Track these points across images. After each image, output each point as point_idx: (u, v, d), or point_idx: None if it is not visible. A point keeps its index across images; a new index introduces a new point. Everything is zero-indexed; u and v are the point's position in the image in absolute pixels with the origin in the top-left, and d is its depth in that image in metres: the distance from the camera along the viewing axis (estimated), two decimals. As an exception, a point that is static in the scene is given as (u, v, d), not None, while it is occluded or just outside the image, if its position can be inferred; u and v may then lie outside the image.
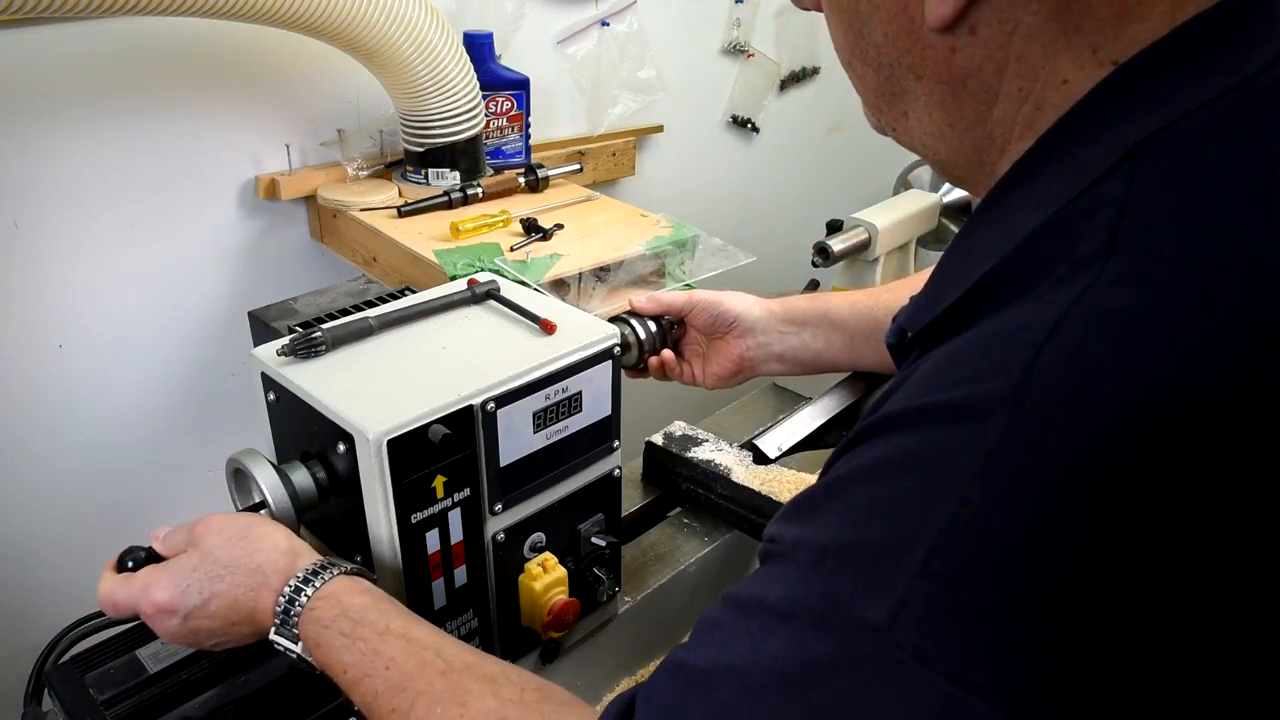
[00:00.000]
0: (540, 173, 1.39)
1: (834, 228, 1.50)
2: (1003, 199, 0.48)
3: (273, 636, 0.64)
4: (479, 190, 1.32)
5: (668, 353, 1.04)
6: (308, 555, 0.66)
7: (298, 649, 0.63)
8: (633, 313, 1.02)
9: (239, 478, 0.71)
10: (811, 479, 1.07)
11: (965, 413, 0.39)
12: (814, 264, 1.49)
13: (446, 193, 1.30)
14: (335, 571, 0.65)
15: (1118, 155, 0.42)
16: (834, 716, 0.40)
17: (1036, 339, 0.38)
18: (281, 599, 0.63)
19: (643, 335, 1.01)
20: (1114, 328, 0.37)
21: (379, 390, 0.70)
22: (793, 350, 1.01)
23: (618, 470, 0.86)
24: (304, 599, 0.63)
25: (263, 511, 0.70)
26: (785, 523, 0.47)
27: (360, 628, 0.61)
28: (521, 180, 1.38)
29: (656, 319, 1.02)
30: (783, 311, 1.00)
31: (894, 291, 0.98)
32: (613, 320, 1.01)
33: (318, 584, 0.64)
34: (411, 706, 0.58)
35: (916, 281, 0.95)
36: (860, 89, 0.55)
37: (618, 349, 0.80)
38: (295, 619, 0.63)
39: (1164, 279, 0.38)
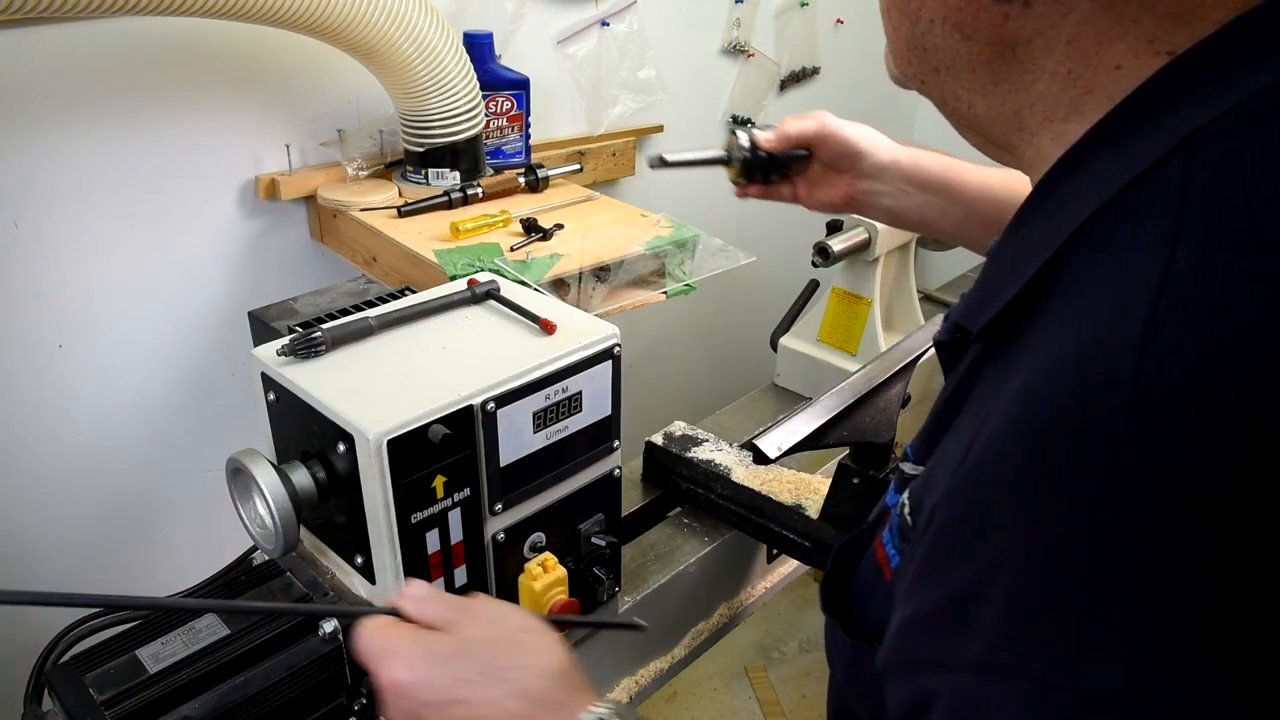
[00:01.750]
0: (540, 173, 1.39)
1: (834, 227, 1.50)
2: (1053, 191, 0.49)
3: None
4: (479, 190, 1.32)
5: (775, 185, 0.98)
6: (584, 692, 0.55)
7: None
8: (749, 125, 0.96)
9: (239, 478, 0.71)
10: (812, 479, 1.07)
11: (1087, 430, 0.38)
12: (814, 264, 1.49)
13: (446, 193, 1.30)
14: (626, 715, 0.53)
15: (1169, 145, 0.42)
16: None
17: (1133, 341, 0.37)
18: None
19: (749, 155, 0.94)
20: (1203, 319, 0.37)
21: (379, 390, 0.70)
22: (905, 210, 0.95)
23: (618, 470, 0.86)
24: None
25: (263, 511, 0.70)
26: (925, 635, 0.43)
27: None
28: (521, 180, 1.38)
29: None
30: (910, 167, 0.94)
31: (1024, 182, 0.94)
32: (731, 131, 0.97)
33: None
34: None
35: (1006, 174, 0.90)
36: (893, 38, 0.55)
37: (618, 348, 0.80)
38: None
39: (1236, 264, 0.37)
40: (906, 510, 0.52)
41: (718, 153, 0.96)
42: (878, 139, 0.95)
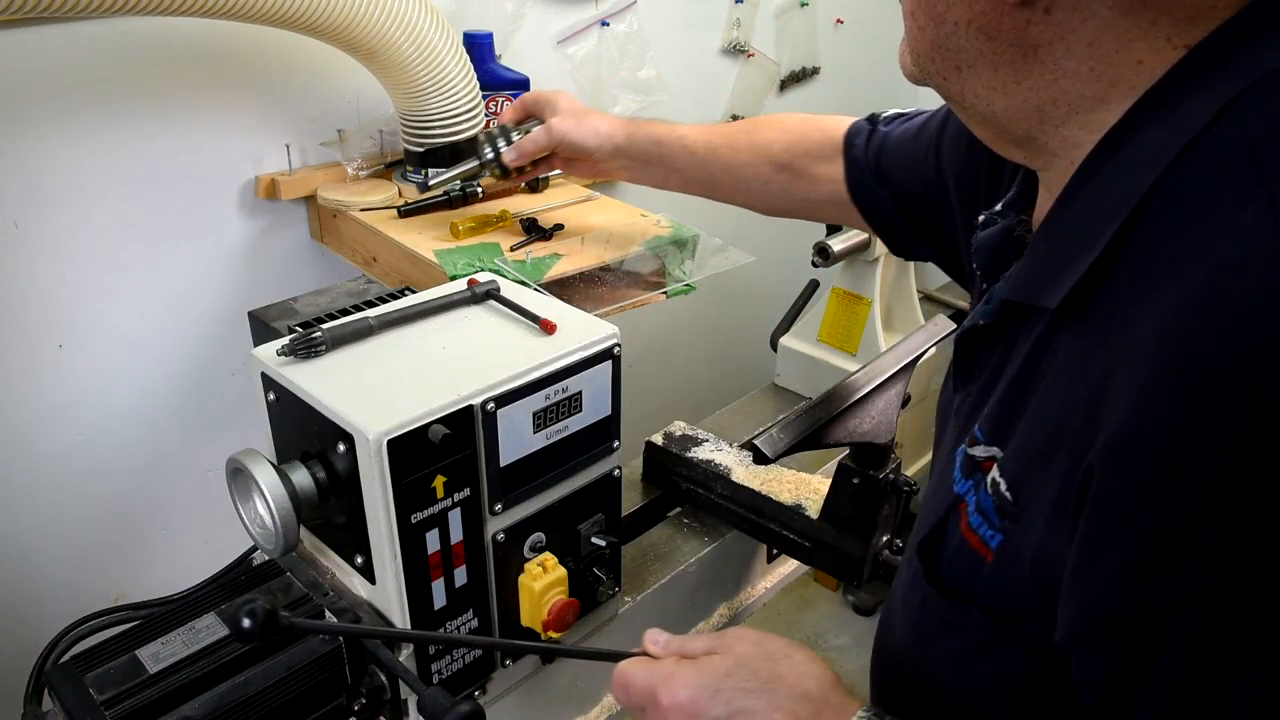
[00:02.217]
0: (540, 176, 1.39)
1: (834, 228, 1.50)
2: (1100, 168, 0.52)
3: None
4: (479, 190, 1.32)
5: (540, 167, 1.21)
6: (853, 696, 0.59)
7: None
8: (495, 133, 1.17)
9: (239, 478, 0.71)
10: (811, 479, 1.07)
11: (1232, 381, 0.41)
12: (814, 264, 1.49)
13: (446, 193, 1.30)
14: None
15: (1217, 109, 0.46)
16: None
17: (1266, 284, 0.41)
18: None
19: (490, 155, 1.16)
20: None
21: (379, 390, 0.70)
22: (639, 178, 1.18)
23: (618, 470, 0.86)
24: None
25: (263, 511, 0.70)
26: (1127, 580, 0.45)
27: None
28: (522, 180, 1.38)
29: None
30: (628, 148, 1.13)
31: (733, 149, 1.10)
32: (473, 140, 1.19)
33: None
34: None
35: (739, 132, 1.10)
36: (916, 38, 0.57)
37: (618, 348, 0.80)
38: None
39: None
40: (1004, 488, 0.53)
41: (471, 163, 1.17)
42: (600, 129, 1.11)
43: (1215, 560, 0.41)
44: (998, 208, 0.66)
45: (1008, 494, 0.53)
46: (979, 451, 0.58)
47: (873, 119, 1.01)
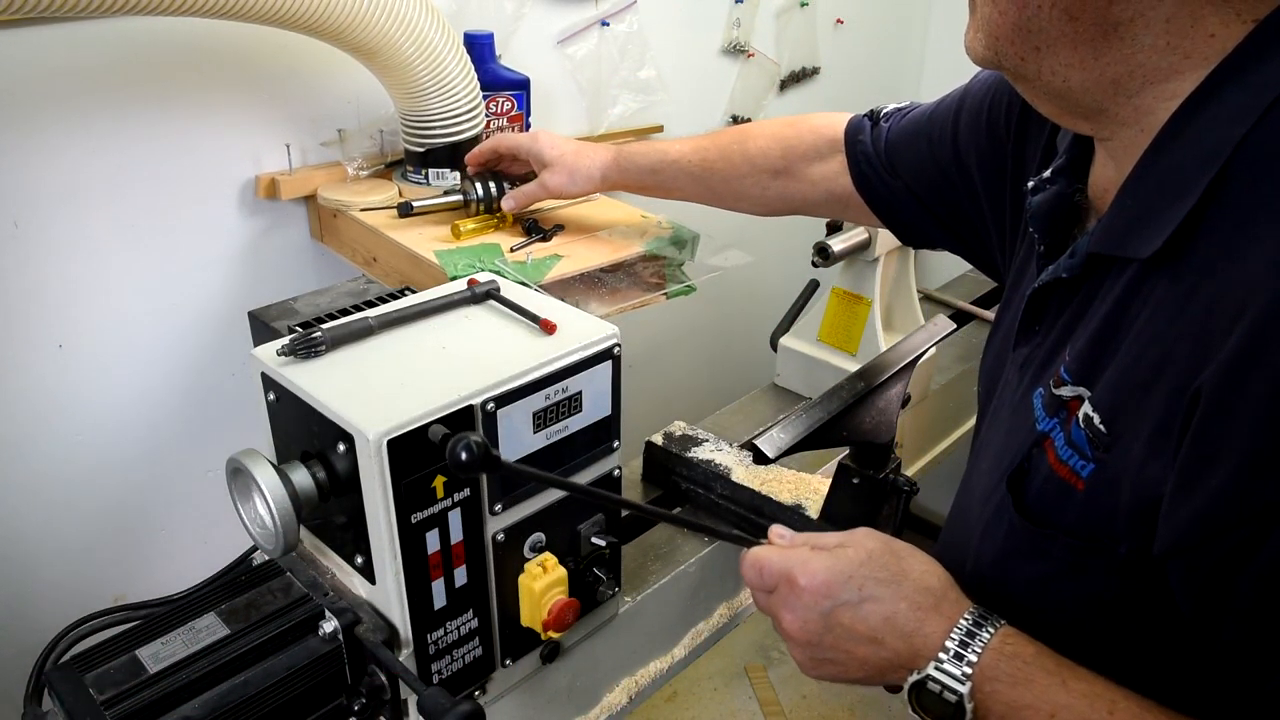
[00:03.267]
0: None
1: (834, 228, 1.50)
2: (1183, 128, 0.56)
3: (935, 670, 0.59)
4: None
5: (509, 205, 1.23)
6: (966, 598, 0.65)
7: (964, 688, 0.58)
8: (486, 175, 1.24)
9: (239, 478, 0.71)
10: (811, 479, 1.08)
11: None
12: (814, 264, 1.49)
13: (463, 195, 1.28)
14: (984, 636, 0.61)
15: None
16: None
17: None
18: (963, 623, 0.61)
19: (482, 194, 1.23)
20: None
21: (379, 390, 0.70)
22: (630, 192, 1.22)
23: (618, 470, 0.86)
24: (990, 631, 0.60)
25: (263, 511, 0.70)
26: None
27: (1069, 674, 0.58)
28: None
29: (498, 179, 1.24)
30: (622, 181, 1.17)
31: (728, 162, 1.13)
32: (463, 181, 1.24)
33: (999, 623, 0.61)
34: None
35: (731, 143, 1.12)
36: (997, 22, 0.60)
37: (618, 348, 0.80)
38: (976, 650, 0.59)
39: None
40: (1097, 422, 0.58)
41: (456, 196, 1.24)
42: (593, 175, 1.17)
43: None
44: (1047, 174, 0.71)
45: (1101, 427, 0.57)
46: (1065, 391, 0.61)
47: (872, 115, 1.04)
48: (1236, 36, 0.54)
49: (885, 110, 1.04)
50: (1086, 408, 0.59)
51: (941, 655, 0.60)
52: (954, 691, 0.59)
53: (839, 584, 0.64)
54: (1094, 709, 0.56)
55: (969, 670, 0.59)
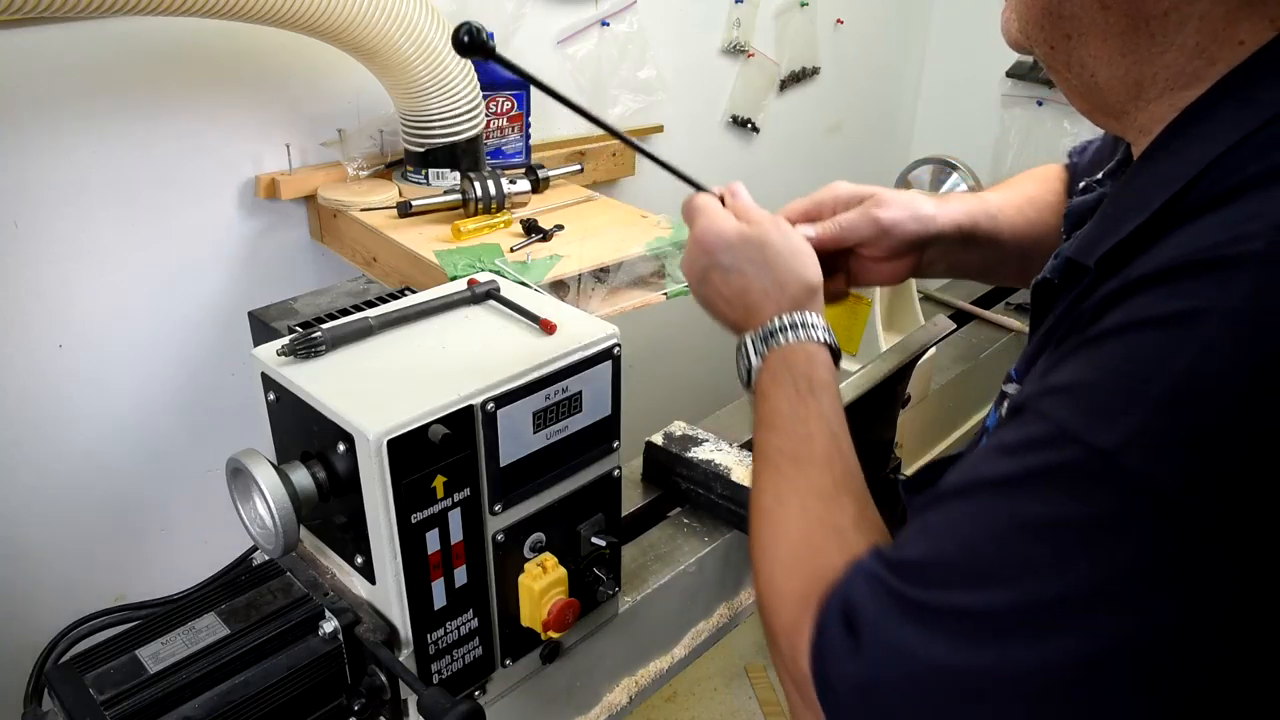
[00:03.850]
0: (541, 173, 1.39)
1: (834, 228, 1.50)
2: (1174, 141, 0.54)
3: (747, 339, 0.73)
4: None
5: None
6: (818, 308, 0.74)
7: (755, 363, 0.72)
8: (486, 174, 1.21)
9: (239, 478, 0.71)
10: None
11: (1214, 266, 0.44)
12: (814, 264, 1.49)
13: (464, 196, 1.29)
14: (825, 337, 0.71)
15: None
16: (1039, 527, 0.46)
17: (1269, 218, 0.44)
18: (776, 321, 0.72)
19: (481, 194, 1.21)
20: None
21: (379, 390, 0.70)
22: (961, 268, 0.94)
23: (618, 470, 0.86)
24: (789, 338, 0.71)
25: (263, 511, 0.70)
26: (1029, 384, 0.53)
27: (809, 398, 0.67)
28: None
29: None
30: (959, 230, 0.88)
31: (1040, 215, 0.92)
32: (463, 180, 1.21)
33: (803, 335, 0.71)
34: (794, 476, 0.65)
35: (1036, 193, 0.91)
36: (1028, 4, 0.59)
37: (618, 348, 0.80)
38: (773, 345, 0.71)
39: None
40: (1003, 413, 0.61)
41: (455, 196, 1.24)
42: (921, 216, 0.86)
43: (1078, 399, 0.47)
44: (1099, 176, 0.70)
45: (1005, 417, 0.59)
46: (1010, 389, 0.65)
47: (1070, 157, 0.94)
48: (1260, 46, 0.51)
49: (1076, 147, 0.93)
50: (1007, 402, 0.62)
51: (752, 332, 0.73)
52: (746, 360, 0.73)
53: (722, 249, 0.75)
54: (800, 425, 0.66)
55: (763, 350, 0.72)
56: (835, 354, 0.72)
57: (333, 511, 0.74)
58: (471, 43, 0.65)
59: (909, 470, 1.56)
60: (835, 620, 0.54)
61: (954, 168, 1.77)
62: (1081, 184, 0.70)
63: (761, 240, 0.75)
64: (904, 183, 1.82)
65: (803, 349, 0.70)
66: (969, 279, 1.03)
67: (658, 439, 1.16)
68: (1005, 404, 0.62)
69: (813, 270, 0.75)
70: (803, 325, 0.71)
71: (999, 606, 0.47)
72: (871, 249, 0.85)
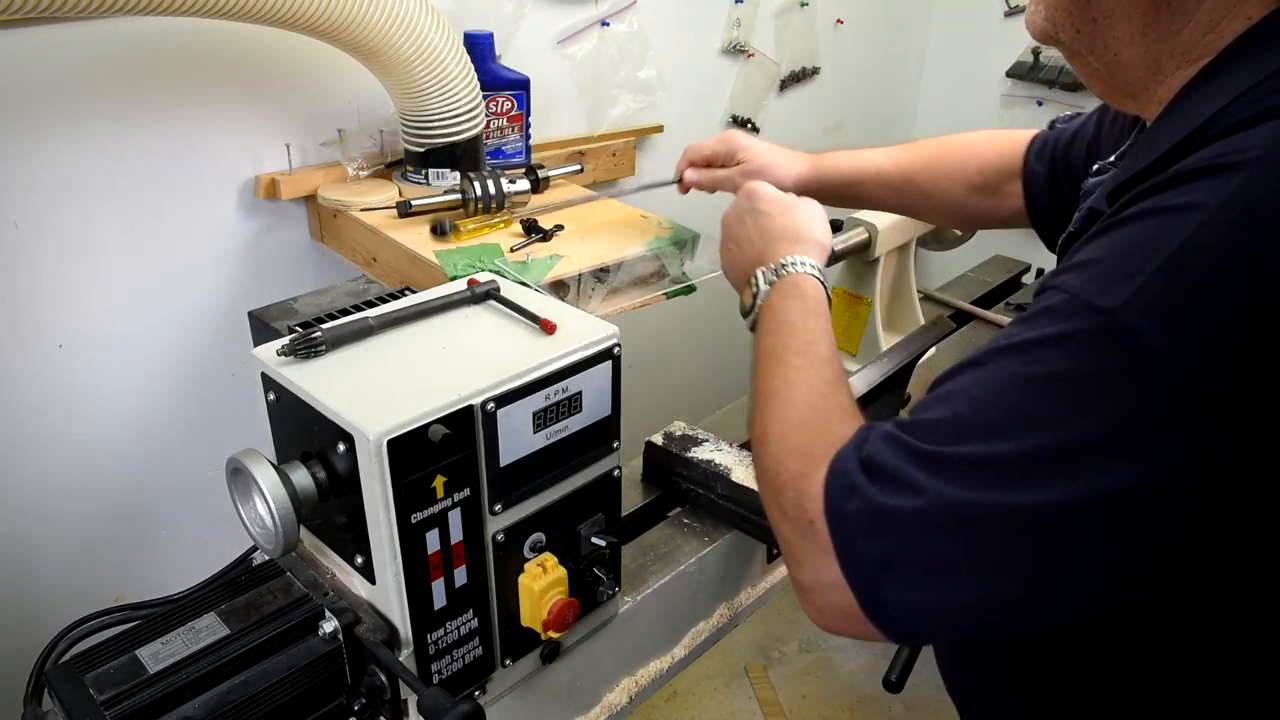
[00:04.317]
0: (541, 173, 1.39)
1: (834, 227, 1.50)
2: (1183, 104, 0.60)
3: (759, 272, 0.85)
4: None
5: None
6: (822, 254, 0.87)
7: (764, 288, 0.83)
8: (486, 174, 1.25)
9: (239, 478, 0.71)
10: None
11: (1217, 169, 0.50)
12: (814, 264, 1.49)
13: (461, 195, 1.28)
14: (804, 269, 0.83)
15: None
16: (1043, 383, 0.51)
17: (1265, 136, 0.50)
18: (791, 256, 0.83)
19: (481, 194, 1.24)
20: None
21: (379, 390, 0.70)
22: (832, 203, 1.18)
23: (618, 470, 0.86)
24: (800, 269, 0.82)
25: (263, 511, 0.70)
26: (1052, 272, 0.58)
27: (817, 315, 0.78)
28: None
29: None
30: (818, 190, 1.16)
31: (929, 175, 1.15)
32: (463, 180, 1.24)
33: (812, 273, 0.83)
34: (802, 366, 0.72)
35: (931, 156, 1.14)
36: None
37: (618, 348, 0.80)
38: (785, 273, 0.83)
39: None
40: None
41: (455, 196, 1.24)
42: (784, 182, 1.15)
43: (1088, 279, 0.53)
44: (1111, 159, 0.76)
45: None
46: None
47: (1051, 126, 1.06)
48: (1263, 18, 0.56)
49: (1063, 116, 1.07)
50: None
51: (767, 267, 0.84)
52: (756, 287, 0.84)
53: (763, 198, 0.91)
54: (807, 331, 0.75)
55: (773, 279, 0.83)
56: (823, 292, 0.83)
57: (333, 511, 0.74)
58: None
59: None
60: (854, 465, 0.58)
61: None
62: (1095, 165, 0.76)
63: (794, 200, 0.91)
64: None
65: (810, 281, 0.81)
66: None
67: (658, 439, 1.16)
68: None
69: (827, 233, 0.89)
70: (813, 267, 0.83)
71: (1003, 454, 0.52)
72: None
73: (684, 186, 1.24)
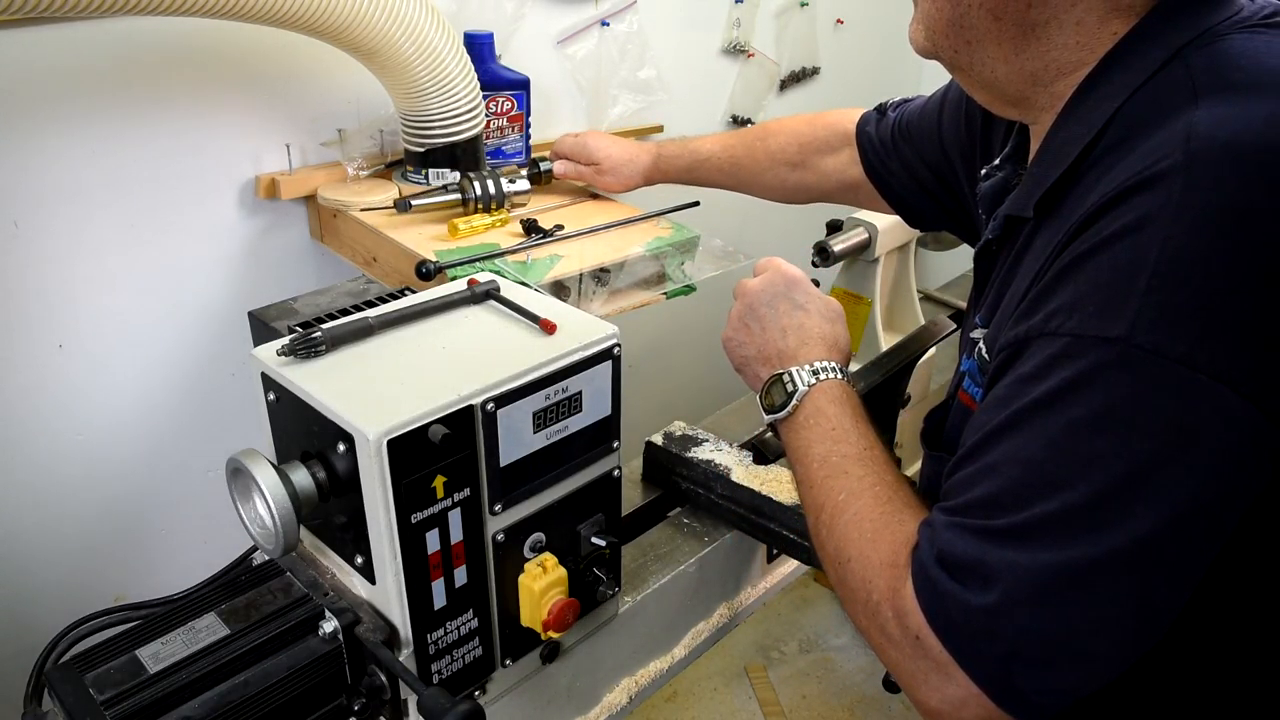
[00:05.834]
0: (543, 165, 1.38)
1: (834, 228, 1.50)
2: (1078, 108, 0.65)
3: (795, 369, 0.81)
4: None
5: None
6: (840, 355, 0.84)
7: (803, 389, 0.79)
8: (485, 174, 1.28)
9: (239, 478, 0.71)
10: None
11: (1145, 185, 0.54)
12: (814, 264, 1.49)
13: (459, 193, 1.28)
14: (841, 378, 0.81)
15: (1167, 55, 0.60)
16: (1088, 423, 0.53)
17: (1177, 140, 0.55)
18: (829, 361, 0.81)
19: (480, 193, 1.26)
20: (1231, 121, 0.54)
21: (379, 390, 0.70)
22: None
23: (618, 470, 0.86)
24: (838, 376, 0.80)
25: (263, 511, 0.70)
26: (1017, 323, 0.60)
27: (864, 420, 0.76)
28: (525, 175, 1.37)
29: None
30: (660, 178, 1.32)
31: (753, 158, 1.26)
32: (463, 179, 1.26)
33: (839, 376, 0.81)
34: (863, 474, 0.71)
35: (755, 140, 1.25)
36: (934, 17, 0.69)
37: (618, 348, 0.80)
38: (824, 377, 0.80)
39: (1244, 99, 0.56)
40: (983, 351, 0.69)
41: (455, 195, 1.25)
42: (635, 176, 1.32)
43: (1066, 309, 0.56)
44: (996, 162, 0.80)
45: (985, 356, 0.68)
46: (975, 333, 0.73)
47: (880, 107, 1.15)
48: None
49: (893, 101, 1.14)
50: (981, 343, 0.70)
51: (802, 367, 0.81)
52: (795, 385, 0.80)
53: (801, 289, 0.88)
54: (861, 437, 0.74)
55: (813, 381, 0.80)
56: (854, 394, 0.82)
57: (333, 511, 0.74)
58: None
59: (909, 471, 1.56)
60: (936, 569, 0.58)
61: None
62: (984, 170, 0.81)
63: (833, 304, 0.89)
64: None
65: (846, 387, 0.80)
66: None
67: (658, 439, 1.16)
68: (976, 348, 0.70)
69: (848, 340, 0.88)
70: (845, 374, 0.81)
71: (1079, 502, 0.53)
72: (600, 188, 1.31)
73: (557, 177, 1.36)
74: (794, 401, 0.79)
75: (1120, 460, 0.52)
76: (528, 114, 1.45)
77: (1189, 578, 0.53)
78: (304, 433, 0.72)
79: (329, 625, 0.72)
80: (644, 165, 1.31)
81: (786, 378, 0.81)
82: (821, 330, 0.85)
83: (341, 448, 0.68)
